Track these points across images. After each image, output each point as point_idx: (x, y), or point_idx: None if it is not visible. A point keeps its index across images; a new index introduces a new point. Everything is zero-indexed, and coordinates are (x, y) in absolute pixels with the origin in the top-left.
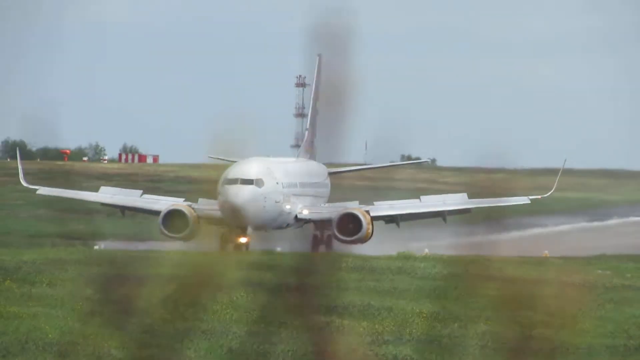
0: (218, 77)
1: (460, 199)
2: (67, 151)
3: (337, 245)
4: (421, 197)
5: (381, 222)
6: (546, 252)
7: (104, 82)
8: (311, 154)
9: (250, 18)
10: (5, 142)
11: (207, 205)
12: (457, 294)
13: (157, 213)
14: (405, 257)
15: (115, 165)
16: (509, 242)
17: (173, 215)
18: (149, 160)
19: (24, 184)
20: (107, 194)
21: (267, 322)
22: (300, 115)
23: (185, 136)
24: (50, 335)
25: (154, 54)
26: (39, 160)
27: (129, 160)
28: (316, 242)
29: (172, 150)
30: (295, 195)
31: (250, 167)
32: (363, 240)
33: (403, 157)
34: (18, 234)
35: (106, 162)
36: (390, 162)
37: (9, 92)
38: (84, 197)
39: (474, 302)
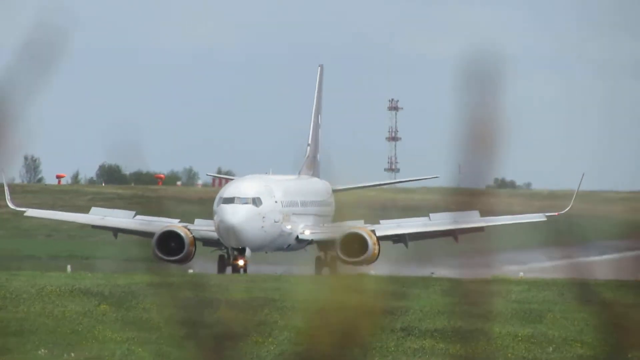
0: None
1: (471, 216)
2: (162, 175)
3: (342, 268)
4: (430, 214)
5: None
6: None
7: (191, 105)
8: (314, 171)
9: (343, 40)
10: (102, 167)
11: (203, 226)
12: (552, 317)
13: (151, 235)
14: (500, 280)
15: (210, 190)
16: (605, 265)
17: (168, 237)
18: None
19: (11, 206)
20: (98, 216)
21: (360, 345)
22: (393, 138)
23: (275, 158)
24: None
25: (239, 74)
26: (133, 184)
27: (223, 184)
28: (320, 264)
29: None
30: (296, 214)
31: (248, 185)
32: (369, 261)
33: (497, 181)
34: (114, 257)
35: (200, 186)
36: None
37: (94, 116)
38: (74, 219)
39: (570, 326)
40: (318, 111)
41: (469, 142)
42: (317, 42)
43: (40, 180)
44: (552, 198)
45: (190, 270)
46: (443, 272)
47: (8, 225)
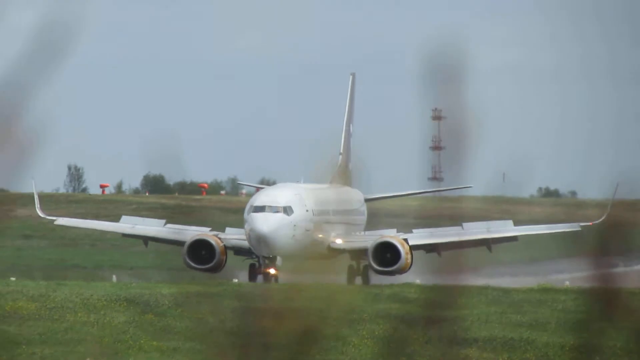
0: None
1: (505, 225)
2: (205, 185)
3: (374, 277)
4: (463, 224)
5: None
6: None
7: (233, 112)
8: (346, 180)
9: (380, 48)
10: (146, 177)
11: (234, 235)
12: (599, 327)
13: (181, 243)
14: (546, 289)
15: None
16: None
17: (199, 246)
18: None
19: (41, 214)
20: (128, 224)
21: (407, 354)
22: (437, 148)
23: (307, 167)
24: None
25: (283, 80)
26: (177, 194)
27: None
28: (352, 273)
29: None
30: (327, 223)
31: (279, 194)
32: (401, 271)
33: (540, 190)
34: (158, 267)
35: (244, 195)
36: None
37: (138, 125)
38: (104, 228)
39: (617, 336)
40: (350, 120)
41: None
42: (354, 50)
43: (84, 190)
44: (596, 207)
45: (235, 280)
46: (485, 281)
47: (54, 235)
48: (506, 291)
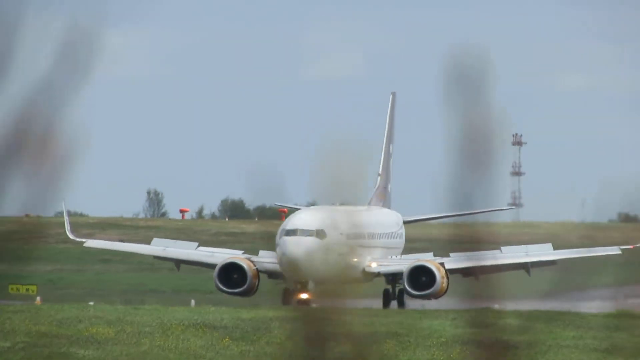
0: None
1: (544, 249)
2: (285, 210)
3: (410, 301)
4: (502, 247)
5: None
6: None
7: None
8: (384, 201)
9: None
10: (225, 201)
11: (267, 258)
12: None
13: (213, 266)
14: (623, 314)
15: None
16: None
17: (230, 269)
18: None
19: (71, 236)
20: (160, 247)
21: None
22: (517, 173)
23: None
24: None
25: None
26: (256, 219)
27: None
28: (387, 297)
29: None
30: (362, 246)
31: (311, 217)
32: (437, 295)
33: (620, 215)
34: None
35: None
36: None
37: (226, 150)
38: (136, 250)
39: None
40: (390, 140)
41: None
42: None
43: (163, 214)
44: None
45: (314, 305)
46: (561, 306)
47: (132, 259)
48: (583, 316)
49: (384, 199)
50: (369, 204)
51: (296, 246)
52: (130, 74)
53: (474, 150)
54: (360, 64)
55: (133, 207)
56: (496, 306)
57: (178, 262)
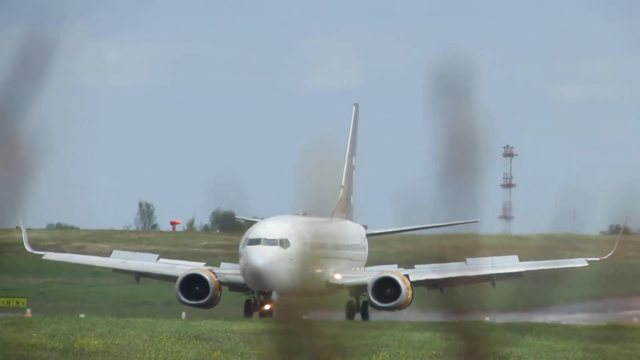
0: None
1: (510, 261)
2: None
3: (374, 313)
4: (467, 259)
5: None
6: None
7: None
8: (347, 214)
9: None
10: (216, 213)
11: (229, 270)
12: None
13: (174, 279)
14: (614, 326)
15: None
16: None
17: (192, 281)
18: None
19: (28, 249)
20: (120, 259)
21: None
22: (508, 185)
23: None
24: None
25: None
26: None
27: None
28: (351, 309)
29: None
30: (326, 257)
31: (275, 226)
32: (402, 306)
33: (611, 227)
34: (231, 304)
35: None
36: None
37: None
38: (94, 263)
39: None
40: (353, 152)
41: None
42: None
43: (154, 226)
44: None
45: (305, 317)
46: (553, 317)
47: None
48: (574, 328)
49: (347, 211)
50: (332, 215)
51: (259, 255)
52: (122, 86)
53: (459, 160)
54: (348, 75)
55: (125, 219)
56: (487, 319)
57: (138, 275)
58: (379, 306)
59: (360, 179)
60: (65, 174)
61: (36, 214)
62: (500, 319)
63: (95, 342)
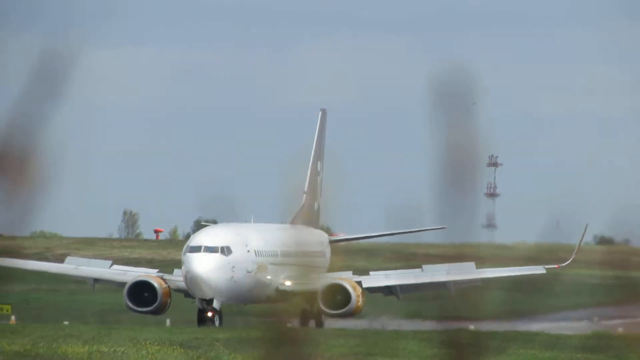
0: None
1: (466, 268)
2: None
3: (328, 320)
4: (423, 266)
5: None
6: None
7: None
8: (310, 220)
9: None
10: (197, 222)
11: (181, 277)
12: None
13: (125, 285)
14: (600, 335)
15: None
16: None
17: (141, 288)
18: None
19: None
20: (72, 265)
21: None
22: (492, 195)
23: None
24: None
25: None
26: None
27: None
28: (305, 316)
29: None
30: (274, 264)
31: (217, 234)
32: (352, 314)
33: (595, 237)
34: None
35: None
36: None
37: (192, 170)
38: (47, 269)
39: None
40: (317, 158)
41: None
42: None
43: (138, 235)
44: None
45: (289, 324)
46: (540, 326)
47: None
48: (559, 337)
49: (310, 217)
50: (292, 221)
51: (199, 263)
52: (106, 96)
53: (454, 171)
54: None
55: (108, 227)
56: (471, 327)
57: (92, 281)
58: (329, 313)
59: (352, 186)
60: (49, 182)
61: (19, 221)
62: (486, 327)
63: (79, 349)
